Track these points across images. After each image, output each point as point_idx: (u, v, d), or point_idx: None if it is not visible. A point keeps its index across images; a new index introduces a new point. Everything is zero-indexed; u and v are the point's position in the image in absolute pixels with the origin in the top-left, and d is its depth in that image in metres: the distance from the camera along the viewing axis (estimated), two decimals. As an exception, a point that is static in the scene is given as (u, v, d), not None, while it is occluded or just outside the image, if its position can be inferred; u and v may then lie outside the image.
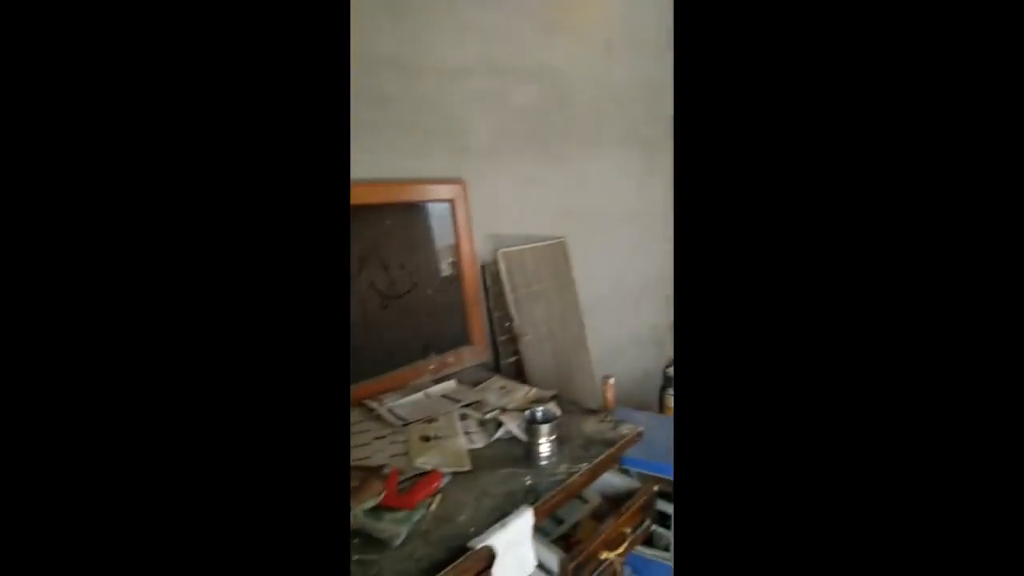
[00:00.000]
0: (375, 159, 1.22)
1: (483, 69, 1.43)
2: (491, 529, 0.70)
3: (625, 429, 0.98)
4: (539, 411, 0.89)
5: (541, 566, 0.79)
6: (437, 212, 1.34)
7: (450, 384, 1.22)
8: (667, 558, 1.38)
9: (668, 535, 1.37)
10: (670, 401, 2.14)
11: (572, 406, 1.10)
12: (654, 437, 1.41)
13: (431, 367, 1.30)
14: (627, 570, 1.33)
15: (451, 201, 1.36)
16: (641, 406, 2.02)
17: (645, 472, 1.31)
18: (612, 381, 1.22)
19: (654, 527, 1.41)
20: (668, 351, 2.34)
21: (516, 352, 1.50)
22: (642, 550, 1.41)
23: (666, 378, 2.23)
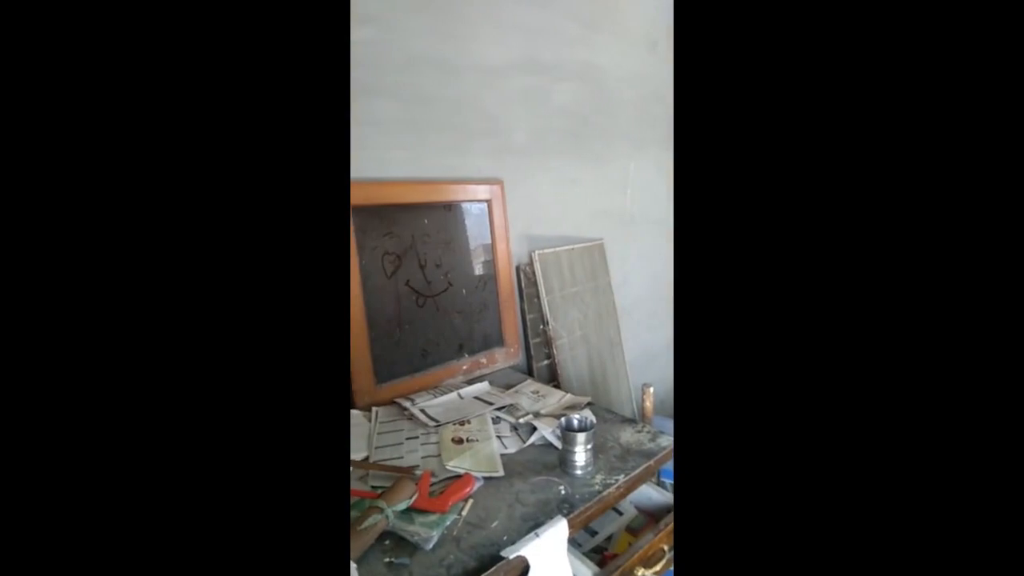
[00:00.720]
0: (414, 158, 1.23)
1: (524, 68, 1.42)
2: (525, 538, 0.68)
3: (664, 441, 0.94)
4: (576, 418, 0.86)
5: (574, 580, 0.76)
6: (474, 212, 1.33)
7: (483, 386, 1.21)
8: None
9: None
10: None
11: (608, 414, 1.06)
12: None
13: (464, 367, 1.29)
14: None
15: (488, 201, 1.35)
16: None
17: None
18: (652, 390, 1.18)
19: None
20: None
21: (550, 355, 1.47)
22: None
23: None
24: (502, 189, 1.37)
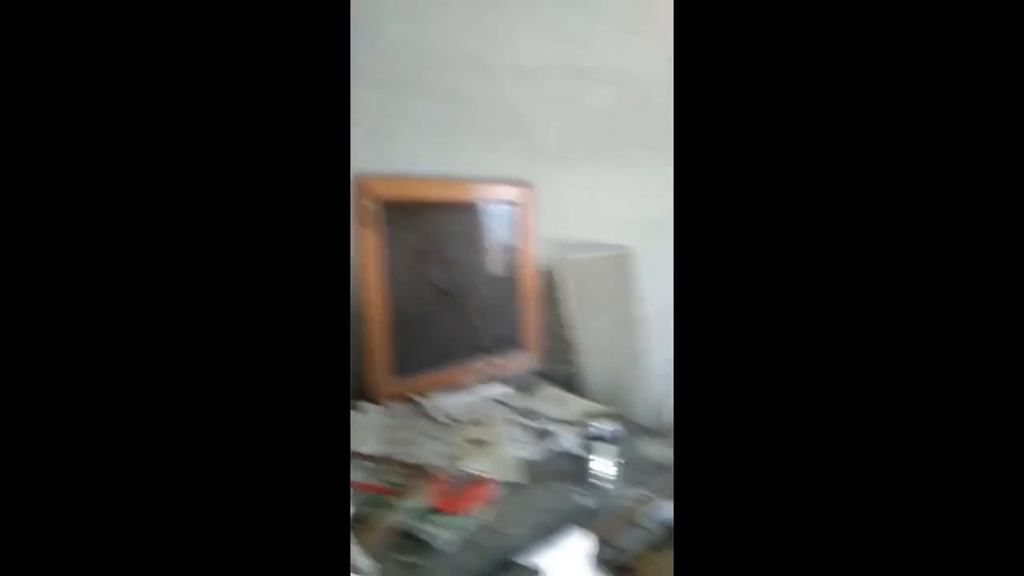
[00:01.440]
0: (444, 155, 1.22)
1: (560, 71, 1.40)
2: (540, 547, 0.65)
3: (691, 456, 0.89)
4: (601, 429, 0.83)
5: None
6: (501, 213, 1.31)
7: (501, 388, 1.18)
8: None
9: None
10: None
11: (633, 425, 1.02)
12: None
13: (482, 367, 1.27)
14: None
15: (515, 203, 1.33)
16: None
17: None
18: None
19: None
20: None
21: (570, 361, 1.44)
22: None
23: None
24: (530, 192, 1.36)
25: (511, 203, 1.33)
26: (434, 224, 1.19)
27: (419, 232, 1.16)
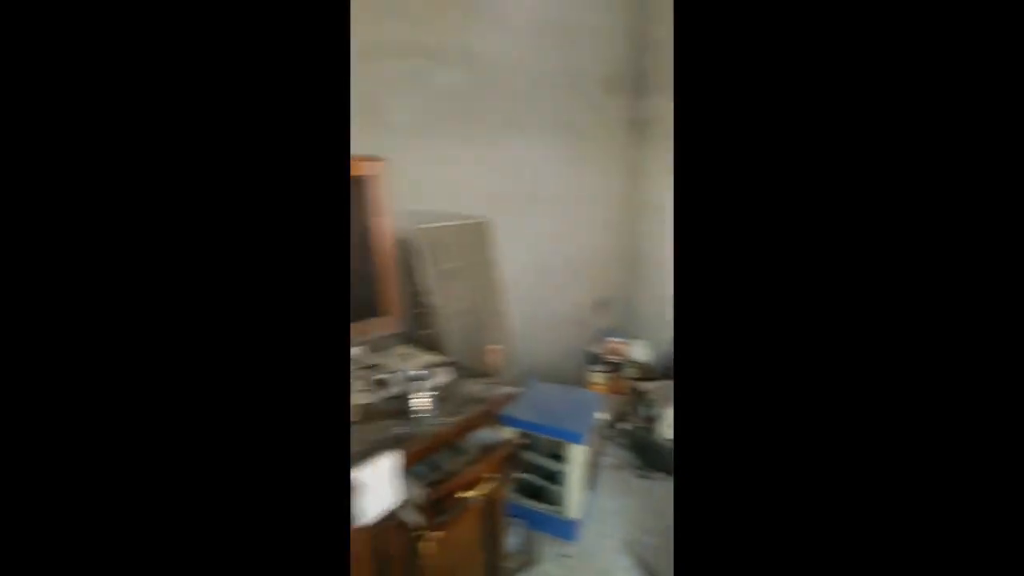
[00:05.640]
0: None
1: (405, 50, 1.49)
2: (359, 465, 0.81)
3: (502, 391, 1.10)
4: (415, 372, 1.00)
5: (408, 502, 0.90)
6: (357, 187, 1.40)
7: (356, 350, 1.31)
8: (558, 511, 1.54)
9: (559, 491, 1.53)
10: (592, 377, 2.30)
11: (462, 370, 1.21)
12: (554, 406, 1.57)
13: (342, 334, 1.38)
14: (518, 522, 1.47)
15: (369, 177, 1.43)
16: (563, 382, 2.16)
17: (529, 432, 1.46)
18: (499, 348, 1.35)
19: (543, 483, 1.57)
20: (589, 330, 2.49)
21: (430, 325, 1.59)
22: (536, 505, 1.56)
23: (587, 355, 2.39)
24: (383, 167, 1.45)
25: (364, 176, 1.42)
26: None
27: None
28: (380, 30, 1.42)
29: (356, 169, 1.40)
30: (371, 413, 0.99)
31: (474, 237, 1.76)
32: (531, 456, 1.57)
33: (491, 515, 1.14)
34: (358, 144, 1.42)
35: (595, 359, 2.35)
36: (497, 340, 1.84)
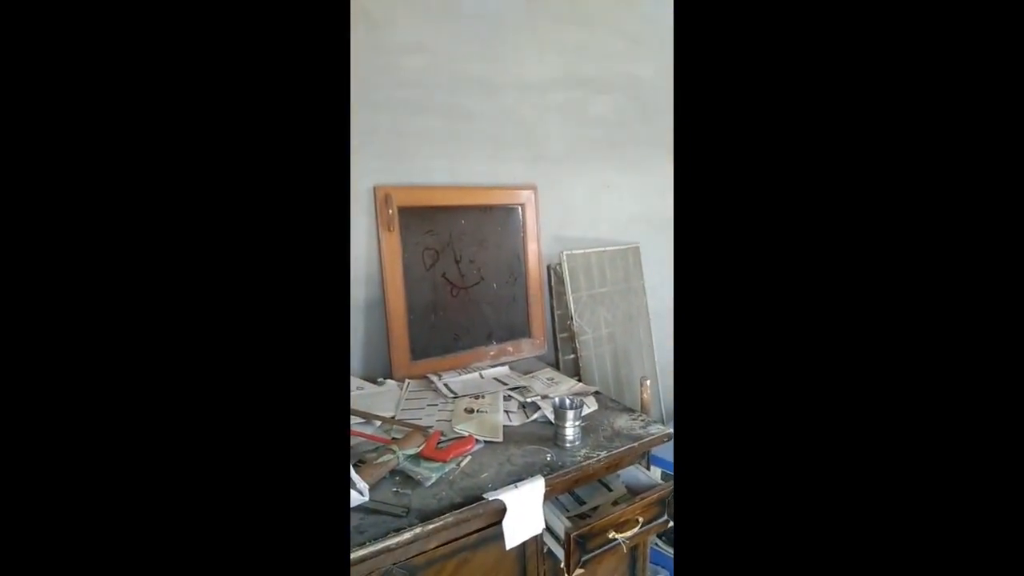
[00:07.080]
0: (455, 166, 1.40)
1: (562, 82, 1.54)
2: (505, 488, 0.82)
3: (654, 429, 1.02)
4: (568, 399, 0.98)
5: (550, 530, 0.88)
6: (509, 214, 1.48)
7: (503, 370, 1.35)
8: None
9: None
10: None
11: (612, 403, 1.16)
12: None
13: (491, 353, 1.44)
14: (662, 572, 1.34)
15: (521, 204, 1.49)
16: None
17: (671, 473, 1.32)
18: (648, 383, 1.26)
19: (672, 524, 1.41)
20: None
21: (575, 350, 1.58)
22: (667, 549, 1.41)
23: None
24: (535, 194, 1.51)
25: (516, 205, 1.49)
26: (446, 226, 1.38)
27: (433, 233, 1.36)
28: (540, 69, 1.50)
29: (509, 196, 1.48)
30: (520, 437, 1.00)
31: (623, 263, 1.71)
32: (678, 504, 1.43)
33: (635, 560, 1.06)
34: (512, 174, 1.51)
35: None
36: (643, 372, 1.74)
